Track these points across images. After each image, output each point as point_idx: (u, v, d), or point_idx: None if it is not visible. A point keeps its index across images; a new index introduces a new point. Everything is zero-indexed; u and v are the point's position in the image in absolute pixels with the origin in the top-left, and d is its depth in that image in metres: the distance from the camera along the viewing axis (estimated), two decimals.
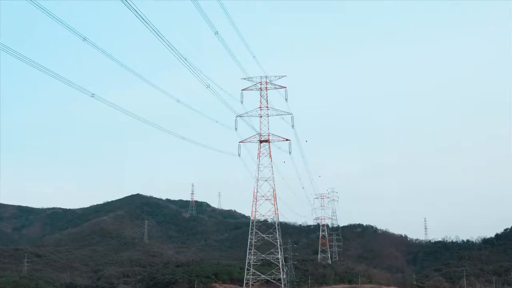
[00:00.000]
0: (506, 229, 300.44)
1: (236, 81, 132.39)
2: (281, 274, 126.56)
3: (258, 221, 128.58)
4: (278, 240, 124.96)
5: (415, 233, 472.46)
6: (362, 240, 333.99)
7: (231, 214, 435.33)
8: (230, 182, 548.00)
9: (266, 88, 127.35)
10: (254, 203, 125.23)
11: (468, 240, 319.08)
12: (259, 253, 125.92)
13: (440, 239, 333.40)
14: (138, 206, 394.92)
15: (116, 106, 73.33)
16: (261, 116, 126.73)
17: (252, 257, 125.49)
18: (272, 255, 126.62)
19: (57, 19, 54.22)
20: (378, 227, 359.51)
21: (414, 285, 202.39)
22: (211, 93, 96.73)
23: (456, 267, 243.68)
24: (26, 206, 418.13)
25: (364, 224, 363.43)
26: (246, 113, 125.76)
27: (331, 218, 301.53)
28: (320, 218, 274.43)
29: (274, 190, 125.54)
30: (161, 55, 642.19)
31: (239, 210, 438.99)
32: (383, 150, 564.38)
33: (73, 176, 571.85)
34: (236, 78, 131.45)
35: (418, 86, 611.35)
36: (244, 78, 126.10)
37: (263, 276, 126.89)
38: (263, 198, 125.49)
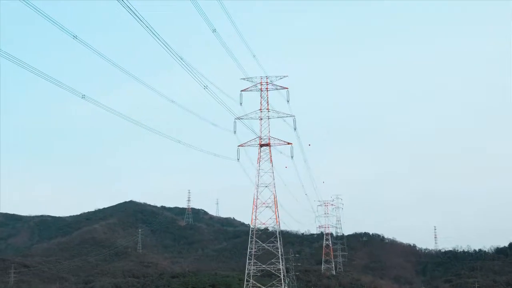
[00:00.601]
0: None
1: (235, 81, 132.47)
2: (283, 286, 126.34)
3: (258, 230, 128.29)
4: (279, 250, 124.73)
5: (424, 242, 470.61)
6: (368, 249, 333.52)
7: (230, 222, 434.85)
8: (229, 188, 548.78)
9: (266, 89, 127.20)
10: (254, 210, 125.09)
11: (480, 250, 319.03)
12: (259, 264, 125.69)
13: (450, 249, 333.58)
14: (132, 213, 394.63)
15: (108, 108, 73.33)
16: (261, 119, 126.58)
17: (252, 267, 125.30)
18: (273, 266, 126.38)
19: (46, 16, 54.29)
20: (385, 236, 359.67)
21: None
22: (209, 94, 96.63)
23: (467, 278, 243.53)
24: (13, 214, 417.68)
25: (371, 233, 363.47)
26: (246, 115, 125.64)
27: (335, 227, 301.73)
28: (324, 226, 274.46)
29: (275, 197, 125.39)
30: (156, 55, 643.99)
31: (238, 218, 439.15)
32: (391, 154, 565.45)
33: (63, 181, 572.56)
34: (235, 78, 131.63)
35: (428, 87, 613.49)
36: (244, 79, 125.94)
37: (263, 287, 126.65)
38: (263, 205, 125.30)
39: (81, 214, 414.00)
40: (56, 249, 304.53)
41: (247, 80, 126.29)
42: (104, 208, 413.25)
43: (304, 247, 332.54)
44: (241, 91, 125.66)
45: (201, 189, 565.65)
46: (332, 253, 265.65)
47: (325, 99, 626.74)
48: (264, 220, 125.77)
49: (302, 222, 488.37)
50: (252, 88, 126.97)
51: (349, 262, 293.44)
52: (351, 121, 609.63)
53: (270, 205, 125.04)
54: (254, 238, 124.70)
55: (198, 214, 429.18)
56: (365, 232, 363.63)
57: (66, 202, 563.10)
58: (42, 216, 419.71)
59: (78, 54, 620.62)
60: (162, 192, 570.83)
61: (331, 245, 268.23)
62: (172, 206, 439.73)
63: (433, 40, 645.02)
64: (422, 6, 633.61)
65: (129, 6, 55.87)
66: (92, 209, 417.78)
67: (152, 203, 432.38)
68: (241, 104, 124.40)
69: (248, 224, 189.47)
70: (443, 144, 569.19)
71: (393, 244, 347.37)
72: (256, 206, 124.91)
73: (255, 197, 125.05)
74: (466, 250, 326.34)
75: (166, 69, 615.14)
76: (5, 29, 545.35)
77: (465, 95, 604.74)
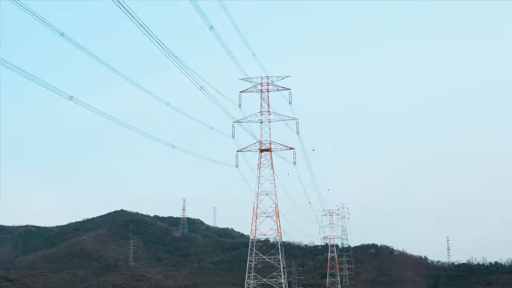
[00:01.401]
0: None
1: (234, 82, 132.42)
2: None
3: (259, 241, 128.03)
4: (281, 262, 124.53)
5: (437, 255, 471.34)
6: (376, 262, 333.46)
7: (228, 233, 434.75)
8: (227, 196, 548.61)
9: (267, 90, 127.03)
10: (253, 220, 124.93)
11: (496, 263, 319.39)
12: (260, 277, 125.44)
13: (464, 262, 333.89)
14: (122, 223, 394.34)
15: (98, 111, 73.24)
16: (261, 122, 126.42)
17: (251, 281, 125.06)
18: (275, 279, 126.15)
19: (31, 13, 54.38)
20: (395, 248, 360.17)
21: None
22: (206, 95, 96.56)
23: None
24: None
25: (379, 244, 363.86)
26: (245, 118, 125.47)
27: (341, 238, 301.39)
28: (329, 237, 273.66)
29: (276, 206, 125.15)
30: (149, 54, 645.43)
31: (236, 229, 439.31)
32: (401, 160, 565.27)
33: (49, 189, 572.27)
34: (234, 78, 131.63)
35: (442, 87, 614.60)
36: (243, 79, 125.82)
37: None
38: (264, 214, 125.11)
39: (68, 224, 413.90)
40: (42, 261, 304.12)
41: (247, 81, 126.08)
42: (93, 218, 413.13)
43: (307, 259, 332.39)
44: (240, 92, 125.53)
45: (197, 198, 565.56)
46: (337, 266, 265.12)
47: (330, 101, 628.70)
48: (264, 230, 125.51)
49: (306, 233, 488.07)
50: (252, 89, 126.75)
51: (355, 276, 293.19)
52: (358, 124, 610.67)
53: (271, 214, 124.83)
54: (254, 250, 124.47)
55: (194, 224, 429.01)
56: (372, 244, 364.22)
57: (52, 212, 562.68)
58: (26, 226, 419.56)
59: (67, 54, 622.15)
60: (155, 200, 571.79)
61: (336, 258, 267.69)
62: (166, 215, 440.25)
63: (439, 41, 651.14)
64: (431, 5, 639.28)
65: (121, 2, 55.97)
66: (80, 219, 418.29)
67: (144, 213, 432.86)
68: (240, 106, 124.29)
69: (248, 235, 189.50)
70: (456, 151, 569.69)
71: (402, 256, 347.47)
72: (256, 216, 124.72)
73: (255, 206, 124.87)
74: (481, 263, 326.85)
75: (160, 69, 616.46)
76: None
77: (479, 98, 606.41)
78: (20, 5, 51.96)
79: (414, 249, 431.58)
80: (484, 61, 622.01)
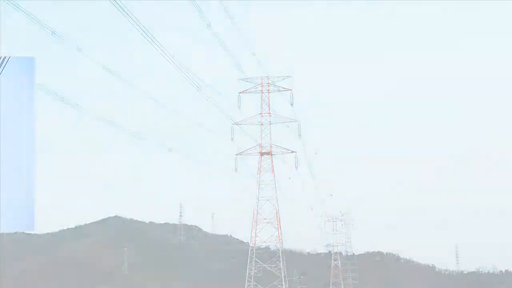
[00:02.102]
0: None
1: (233, 82, 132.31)
2: None
3: (259, 248, 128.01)
4: (282, 271, 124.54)
5: (445, 263, 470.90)
6: (381, 271, 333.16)
7: (227, 240, 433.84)
8: (226, 202, 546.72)
9: (268, 90, 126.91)
10: (253, 227, 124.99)
11: (507, 271, 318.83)
12: (260, 286, 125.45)
13: (473, 270, 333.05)
14: (116, 230, 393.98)
15: (90, 112, 73.45)
16: (262, 124, 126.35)
17: None
18: None
19: (19, 9, 54.50)
20: (401, 256, 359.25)
21: None
22: (203, 96, 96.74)
23: None
24: None
25: (384, 252, 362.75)
26: (245, 120, 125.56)
27: (345, 245, 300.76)
28: (332, 244, 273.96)
29: (277, 212, 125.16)
30: (144, 52, 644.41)
31: (236, 236, 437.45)
32: (408, 164, 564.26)
33: (38, 194, 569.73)
34: (233, 79, 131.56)
35: (449, 88, 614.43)
36: (242, 79, 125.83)
37: None
38: (264, 221, 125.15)
39: (59, 231, 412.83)
40: (32, 270, 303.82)
41: (246, 81, 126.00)
42: (85, 225, 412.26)
43: (309, 267, 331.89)
44: (239, 93, 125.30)
45: (195, 203, 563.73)
46: (341, 275, 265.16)
47: (338, 103, 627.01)
48: (265, 237, 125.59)
49: (308, 240, 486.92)
50: (252, 90, 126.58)
51: (360, 285, 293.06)
52: (363, 127, 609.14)
53: (272, 221, 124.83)
54: (254, 257, 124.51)
55: (191, 231, 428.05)
56: (378, 251, 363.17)
57: (42, 218, 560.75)
58: (15, 233, 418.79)
59: (58, 54, 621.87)
60: (151, 206, 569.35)
61: (340, 266, 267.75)
62: (162, 222, 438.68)
63: (444, 41, 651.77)
64: (431, 6, 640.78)
65: None
66: (72, 226, 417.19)
67: (139, 219, 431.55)
68: (239, 107, 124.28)
69: (247, 242, 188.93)
70: (465, 154, 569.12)
71: (409, 264, 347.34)
72: (256, 222, 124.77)
73: (255, 212, 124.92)
74: (491, 271, 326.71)
75: (156, 69, 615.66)
76: None
77: (491, 99, 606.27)
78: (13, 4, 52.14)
79: (421, 257, 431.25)
80: (486, 61, 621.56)
